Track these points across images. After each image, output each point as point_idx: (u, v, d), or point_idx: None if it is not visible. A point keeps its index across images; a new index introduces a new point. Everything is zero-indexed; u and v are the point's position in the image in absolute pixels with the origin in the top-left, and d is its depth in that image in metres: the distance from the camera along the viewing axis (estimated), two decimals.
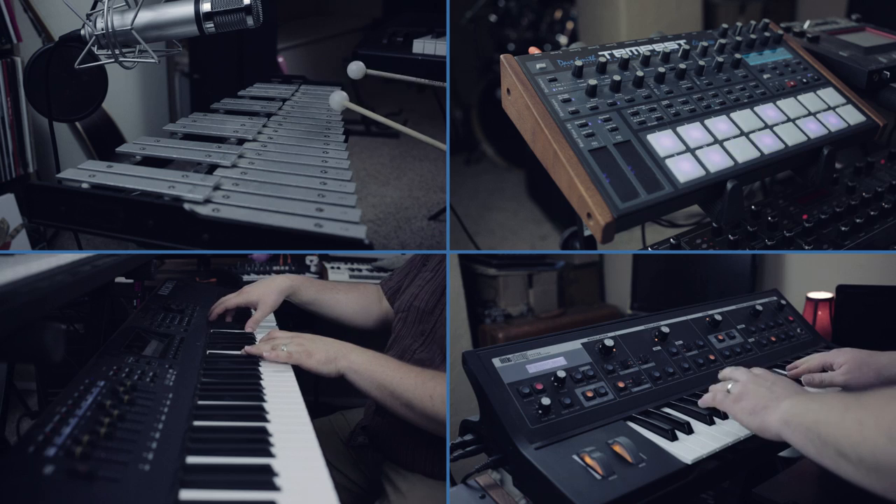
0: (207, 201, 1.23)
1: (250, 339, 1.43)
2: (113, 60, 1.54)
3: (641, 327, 1.22)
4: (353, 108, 1.72)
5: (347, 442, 1.51)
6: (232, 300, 1.52)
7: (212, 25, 1.49)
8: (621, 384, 1.08)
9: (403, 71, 2.21)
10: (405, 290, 1.55)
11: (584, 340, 1.13)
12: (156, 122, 2.93)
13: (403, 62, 2.46)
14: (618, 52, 1.21)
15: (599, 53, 1.19)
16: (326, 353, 1.25)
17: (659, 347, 1.20)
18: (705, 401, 1.03)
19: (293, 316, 1.71)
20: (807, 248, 1.17)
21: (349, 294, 1.66)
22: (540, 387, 1.00)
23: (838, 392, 0.82)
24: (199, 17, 1.48)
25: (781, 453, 1.23)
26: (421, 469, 1.32)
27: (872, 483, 0.72)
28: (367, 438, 1.43)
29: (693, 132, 1.12)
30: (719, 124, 1.15)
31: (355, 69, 1.87)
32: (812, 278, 2.13)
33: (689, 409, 1.06)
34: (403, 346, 1.42)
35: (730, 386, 1.00)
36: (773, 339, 1.38)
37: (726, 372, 1.05)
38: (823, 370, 1.18)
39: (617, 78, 1.13)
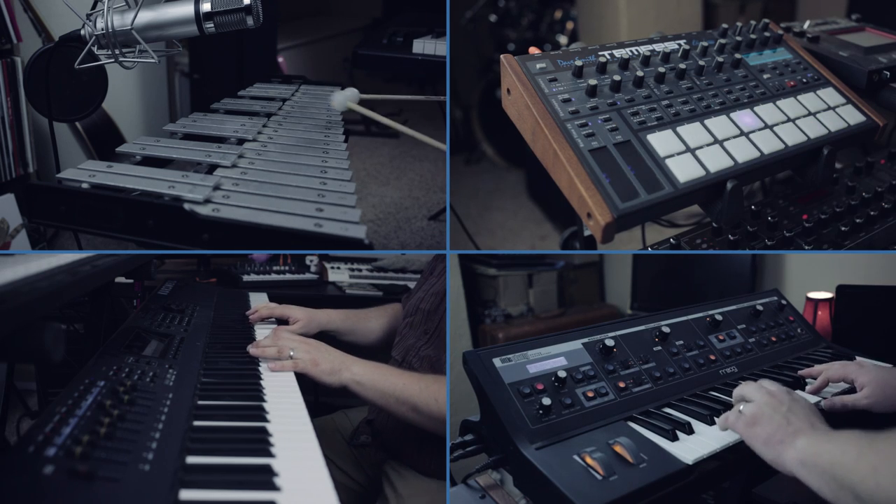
0: (207, 201, 1.23)
1: (250, 339, 1.43)
2: (113, 60, 1.54)
3: (642, 327, 1.22)
4: (355, 109, 1.71)
5: (350, 440, 1.51)
6: (277, 310, 1.57)
7: (212, 25, 1.49)
8: (622, 384, 1.08)
9: (403, 71, 2.20)
10: (414, 295, 1.56)
11: (585, 340, 1.12)
12: (156, 122, 2.93)
13: (403, 62, 2.46)
14: (618, 52, 1.21)
15: (599, 53, 1.19)
16: (331, 364, 1.25)
17: (659, 347, 1.20)
18: (720, 424, 0.98)
19: None
20: (807, 248, 1.17)
21: (381, 320, 1.69)
22: (540, 387, 1.00)
23: (852, 432, 0.82)
24: (199, 17, 1.48)
25: None
26: (426, 467, 1.32)
27: None
28: (372, 435, 1.43)
29: (693, 132, 1.12)
30: (719, 124, 1.15)
31: (341, 100, 1.70)
32: (812, 278, 2.13)
33: (689, 409, 1.06)
34: (407, 345, 1.43)
35: (741, 407, 0.95)
36: (774, 339, 1.38)
37: (738, 391, 1.00)
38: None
39: (617, 78, 1.13)
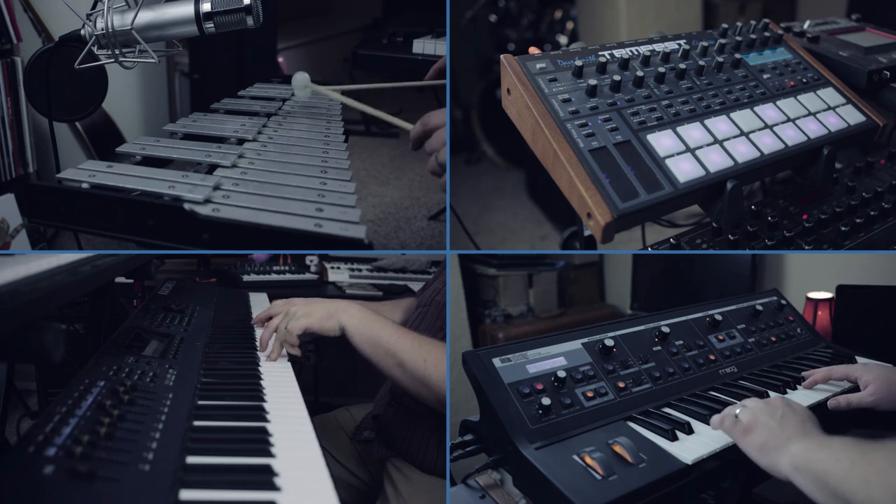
0: (207, 201, 1.23)
1: (250, 339, 1.43)
2: (113, 60, 1.54)
3: (641, 327, 1.22)
4: (316, 90, 1.74)
5: (353, 436, 1.51)
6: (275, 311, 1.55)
7: (212, 25, 1.49)
8: (621, 384, 1.08)
9: (404, 70, 2.20)
10: (429, 286, 1.56)
11: (585, 340, 1.13)
12: (156, 122, 2.93)
13: (403, 62, 2.46)
14: (618, 52, 1.21)
15: (599, 53, 1.19)
16: (326, 310, 1.28)
17: (659, 347, 1.20)
18: (714, 423, 0.99)
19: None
20: (807, 248, 1.17)
21: (394, 313, 1.66)
22: (540, 387, 1.00)
23: (845, 440, 0.83)
24: (199, 17, 1.48)
25: None
26: (429, 464, 1.32)
27: None
28: (376, 430, 1.43)
29: (693, 132, 1.12)
30: (719, 124, 1.15)
31: (300, 79, 1.80)
32: (812, 278, 2.13)
33: (689, 409, 1.06)
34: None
35: (738, 411, 0.96)
36: (773, 338, 1.38)
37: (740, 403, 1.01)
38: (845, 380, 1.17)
39: (617, 78, 1.13)
